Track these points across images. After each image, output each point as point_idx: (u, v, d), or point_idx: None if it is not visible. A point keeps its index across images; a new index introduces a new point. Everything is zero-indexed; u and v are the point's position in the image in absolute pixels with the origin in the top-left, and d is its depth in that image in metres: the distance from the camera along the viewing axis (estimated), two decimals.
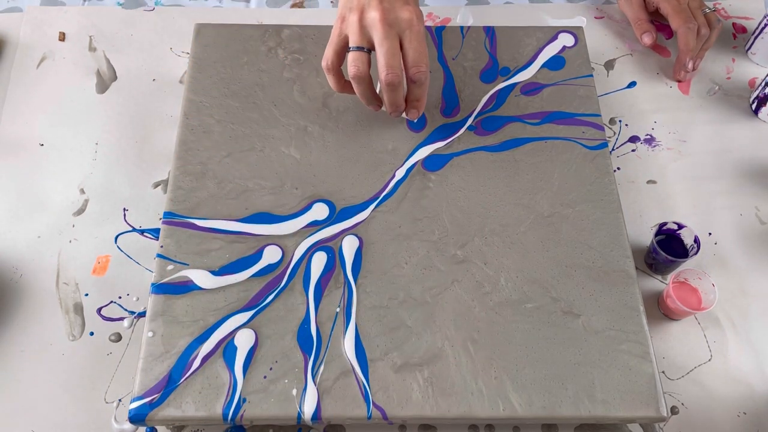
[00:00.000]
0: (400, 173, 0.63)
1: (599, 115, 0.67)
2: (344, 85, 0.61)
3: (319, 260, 0.58)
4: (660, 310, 0.62)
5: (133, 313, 0.60)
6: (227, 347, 0.54)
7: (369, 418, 0.52)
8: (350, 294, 0.56)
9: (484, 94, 0.68)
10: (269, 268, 0.57)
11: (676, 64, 0.75)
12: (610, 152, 0.69)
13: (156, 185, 0.67)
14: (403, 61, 0.57)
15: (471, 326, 0.55)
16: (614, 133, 0.72)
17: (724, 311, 0.62)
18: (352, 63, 0.57)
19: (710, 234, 0.66)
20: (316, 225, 0.60)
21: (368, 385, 0.53)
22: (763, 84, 0.72)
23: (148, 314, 0.55)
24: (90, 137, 0.69)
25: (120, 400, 0.56)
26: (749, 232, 0.66)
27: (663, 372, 0.59)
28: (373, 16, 0.56)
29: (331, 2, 0.81)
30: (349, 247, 0.59)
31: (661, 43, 0.79)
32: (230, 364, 0.53)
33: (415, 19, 0.57)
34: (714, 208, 0.68)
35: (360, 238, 0.59)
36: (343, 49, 0.59)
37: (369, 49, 0.57)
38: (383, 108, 0.62)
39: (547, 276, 0.58)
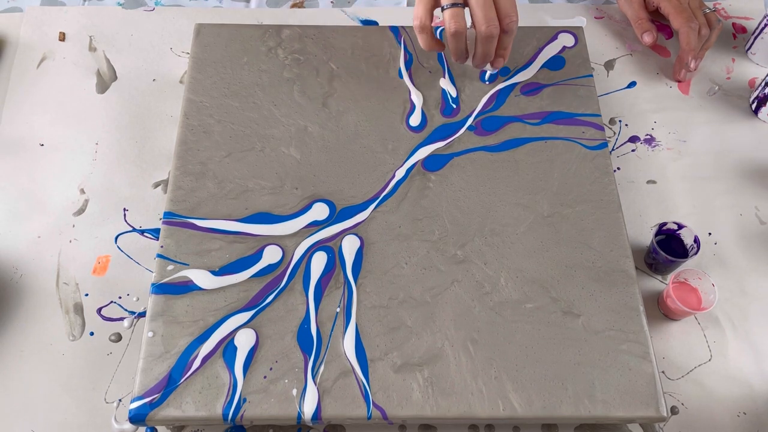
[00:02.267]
0: (400, 173, 0.63)
1: (599, 115, 0.67)
2: (435, 43, 0.62)
3: (319, 260, 0.58)
4: (660, 310, 0.62)
5: (133, 313, 0.60)
6: (227, 347, 0.54)
7: (369, 418, 0.52)
8: (350, 294, 0.56)
9: (484, 94, 0.68)
10: (269, 268, 0.57)
11: (677, 64, 0.75)
12: (610, 152, 0.69)
13: (156, 185, 0.67)
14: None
15: (471, 326, 0.55)
16: (614, 133, 0.72)
17: (724, 311, 0.62)
18: (452, 19, 0.58)
19: (710, 234, 0.66)
20: (316, 225, 0.60)
21: (368, 385, 0.53)
22: (763, 84, 0.72)
23: (148, 314, 0.55)
24: (90, 137, 0.69)
25: (120, 400, 0.56)
26: (749, 232, 0.66)
27: (663, 372, 0.59)
28: None
29: (332, 2, 0.81)
30: (349, 246, 0.59)
31: (661, 43, 0.79)
32: (230, 364, 0.53)
33: None
34: (714, 208, 0.68)
35: (361, 238, 0.59)
36: (434, 7, 0.60)
37: (463, 4, 0.58)
38: (468, 61, 0.63)
39: (547, 276, 0.58)
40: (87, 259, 0.62)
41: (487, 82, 0.68)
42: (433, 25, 0.61)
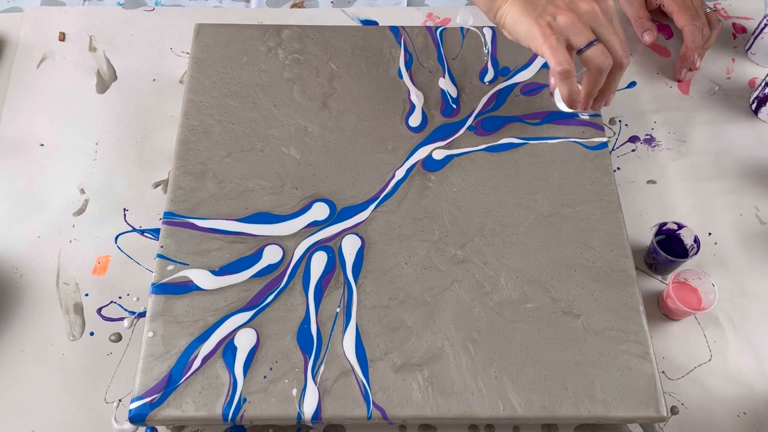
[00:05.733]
0: (400, 173, 0.63)
1: (599, 115, 0.67)
2: (576, 90, 0.57)
3: (319, 260, 0.58)
4: (660, 310, 0.62)
5: (133, 313, 0.60)
6: (227, 347, 0.54)
7: (369, 418, 0.52)
8: (350, 294, 0.56)
9: (484, 94, 0.68)
10: (269, 269, 0.57)
11: (678, 64, 0.75)
12: (610, 152, 0.69)
13: (156, 185, 0.67)
14: None
15: (471, 326, 0.55)
16: (614, 133, 0.72)
17: (724, 311, 0.62)
18: (603, 55, 0.54)
19: (710, 234, 0.66)
20: (316, 225, 0.60)
21: (368, 385, 0.53)
22: (763, 84, 0.72)
23: (148, 314, 0.55)
24: (90, 137, 0.69)
25: (120, 400, 0.56)
26: (749, 232, 0.66)
27: (663, 372, 0.59)
28: (591, 8, 0.54)
29: (332, 2, 0.81)
30: (350, 246, 0.59)
31: (661, 43, 0.79)
32: (230, 364, 0.53)
33: (615, 8, 0.56)
34: (714, 208, 0.68)
35: (362, 238, 0.59)
36: (569, 50, 0.55)
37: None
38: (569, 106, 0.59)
39: (547, 276, 0.58)
40: (87, 259, 0.62)
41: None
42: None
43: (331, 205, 0.61)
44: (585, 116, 0.67)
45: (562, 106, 0.64)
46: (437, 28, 0.73)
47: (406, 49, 0.71)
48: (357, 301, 0.56)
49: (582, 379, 0.53)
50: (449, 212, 0.61)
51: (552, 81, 0.65)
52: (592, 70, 0.54)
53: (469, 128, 0.66)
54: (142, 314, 0.60)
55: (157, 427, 0.55)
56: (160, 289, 0.56)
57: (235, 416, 0.51)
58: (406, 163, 0.64)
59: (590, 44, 0.54)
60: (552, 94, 0.66)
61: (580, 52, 0.54)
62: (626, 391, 0.53)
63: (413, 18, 0.79)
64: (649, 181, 0.69)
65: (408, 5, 0.81)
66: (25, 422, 0.55)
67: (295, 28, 0.72)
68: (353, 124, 0.66)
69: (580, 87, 0.57)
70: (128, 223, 0.64)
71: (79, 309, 0.60)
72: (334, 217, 0.60)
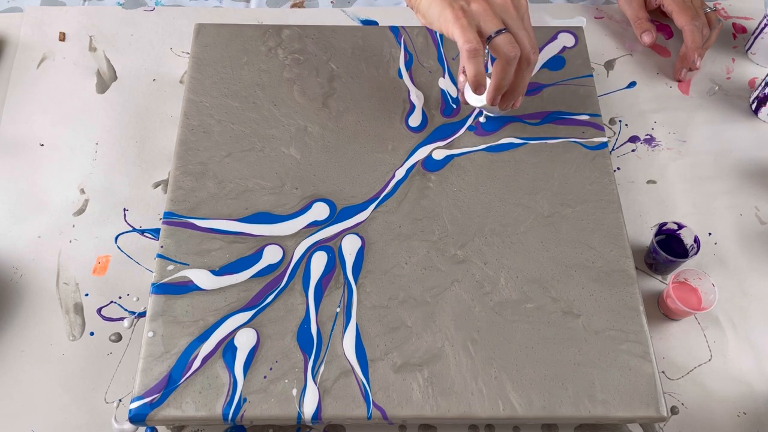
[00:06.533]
0: (400, 173, 0.63)
1: (599, 115, 0.67)
2: (484, 74, 0.57)
3: (319, 260, 0.58)
4: (660, 310, 0.62)
5: (133, 313, 0.60)
6: (227, 347, 0.54)
7: (369, 418, 0.52)
8: (350, 294, 0.56)
9: None
10: (269, 269, 0.57)
11: (678, 63, 0.75)
12: (610, 152, 0.69)
13: (156, 185, 0.67)
14: None
15: (471, 326, 0.55)
16: (614, 133, 0.72)
17: (724, 311, 0.62)
18: (510, 45, 0.55)
19: (710, 234, 0.66)
20: (316, 225, 0.60)
21: (368, 385, 0.53)
22: (763, 84, 0.72)
23: (148, 314, 0.55)
24: (90, 137, 0.69)
25: (120, 400, 0.56)
26: (749, 232, 0.66)
27: (663, 372, 0.59)
28: (503, 1, 0.56)
29: (332, 2, 0.81)
30: (350, 246, 0.59)
31: (661, 43, 0.79)
32: (230, 364, 0.53)
33: (527, 7, 0.58)
34: (714, 208, 0.68)
35: (362, 238, 0.59)
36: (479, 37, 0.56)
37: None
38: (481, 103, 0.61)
39: (547, 276, 0.58)
40: (87, 259, 0.62)
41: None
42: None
43: (331, 205, 0.61)
44: (491, 114, 0.66)
45: (472, 100, 0.63)
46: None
47: (406, 49, 0.71)
48: (357, 301, 0.56)
49: (582, 379, 0.53)
50: (449, 212, 0.61)
51: (461, 78, 0.64)
52: (501, 58, 0.55)
53: (469, 128, 0.66)
54: (142, 314, 0.60)
55: (157, 427, 0.55)
56: (160, 289, 0.56)
57: (235, 416, 0.51)
58: (406, 163, 0.64)
59: (499, 32, 0.55)
60: (462, 91, 0.64)
61: (489, 39, 0.55)
62: (626, 391, 0.53)
63: (413, 18, 0.79)
64: (649, 181, 0.69)
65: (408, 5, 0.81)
66: (25, 422, 0.55)
67: (295, 28, 0.72)
68: (353, 124, 0.66)
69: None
70: (128, 223, 0.64)
71: (79, 309, 0.60)
72: (334, 217, 0.60)
